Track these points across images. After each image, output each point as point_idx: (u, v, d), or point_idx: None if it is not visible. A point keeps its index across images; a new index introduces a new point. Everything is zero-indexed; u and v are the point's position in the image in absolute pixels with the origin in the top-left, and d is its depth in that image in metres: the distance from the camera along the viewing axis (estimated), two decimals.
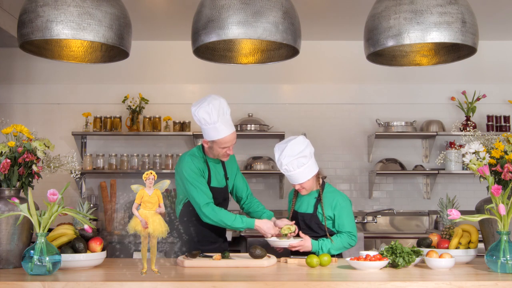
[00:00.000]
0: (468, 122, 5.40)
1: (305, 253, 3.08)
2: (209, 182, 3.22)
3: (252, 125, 5.36)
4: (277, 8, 2.75)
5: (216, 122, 3.09)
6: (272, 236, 3.12)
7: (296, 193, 3.36)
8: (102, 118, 5.44)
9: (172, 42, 5.72)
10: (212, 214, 3.10)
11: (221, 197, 3.29)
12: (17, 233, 2.65)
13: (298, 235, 3.17)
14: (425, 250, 2.79)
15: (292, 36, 2.82)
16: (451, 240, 2.89)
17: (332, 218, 3.20)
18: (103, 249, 2.71)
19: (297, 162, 3.12)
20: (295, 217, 3.29)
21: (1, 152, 2.70)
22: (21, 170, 2.70)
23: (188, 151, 3.32)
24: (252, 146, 5.68)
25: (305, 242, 3.09)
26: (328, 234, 3.18)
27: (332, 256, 3.01)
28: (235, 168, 3.47)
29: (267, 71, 5.53)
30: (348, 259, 2.72)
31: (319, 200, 3.22)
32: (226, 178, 3.38)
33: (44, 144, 2.78)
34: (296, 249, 3.10)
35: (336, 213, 3.19)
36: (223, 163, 3.37)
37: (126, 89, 5.62)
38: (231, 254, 2.90)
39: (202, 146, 3.29)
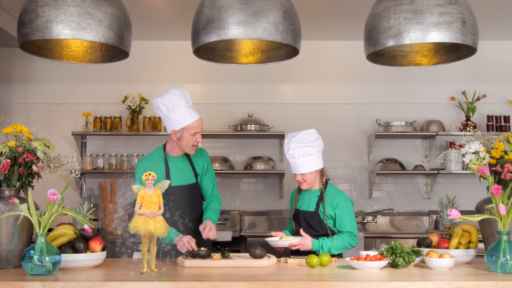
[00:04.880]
0: (468, 122, 5.40)
1: (306, 253, 3.08)
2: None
3: (252, 125, 5.36)
4: (277, 8, 2.75)
5: (185, 107, 3.15)
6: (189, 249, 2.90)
7: (298, 191, 3.37)
8: (102, 118, 5.44)
9: (172, 42, 5.72)
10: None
11: (184, 196, 3.20)
12: (17, 233, 2.64)
13: (298, 234, 3.17)
14: (425, 250, 2.79)
15: (292, 36, 2.82)
16: (451, 240, 2.89)
17: (333, 218, 3.21)
18: (103, 249, 2.71)
19: (303, 150, 3.15)
20: (297, 215, 3.30)
21: (1, 152, 2.70)
22: (21, 170, 2.70)
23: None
24: (252, 146, 5.67)
25: (305, 241, 3.09)
26: (329, 233, 3.18)
27: (332, 256, 3.01)
28: (205, 165, 3.38)
29: (267, 71, 5.53)
30: (348, 259, 2.72)
31: (321, 198, 3.23)
32: (196, 174, 3.32)
33: (44, 144, 2.77)
34: (297, 247, 3.10)
35: (337, 213, 3.19)
36: (190, 160, 3.32)
37: (126, 89, 5.62)
38: (231, 254, 2.90)
39: (163, 146, 3.30)
